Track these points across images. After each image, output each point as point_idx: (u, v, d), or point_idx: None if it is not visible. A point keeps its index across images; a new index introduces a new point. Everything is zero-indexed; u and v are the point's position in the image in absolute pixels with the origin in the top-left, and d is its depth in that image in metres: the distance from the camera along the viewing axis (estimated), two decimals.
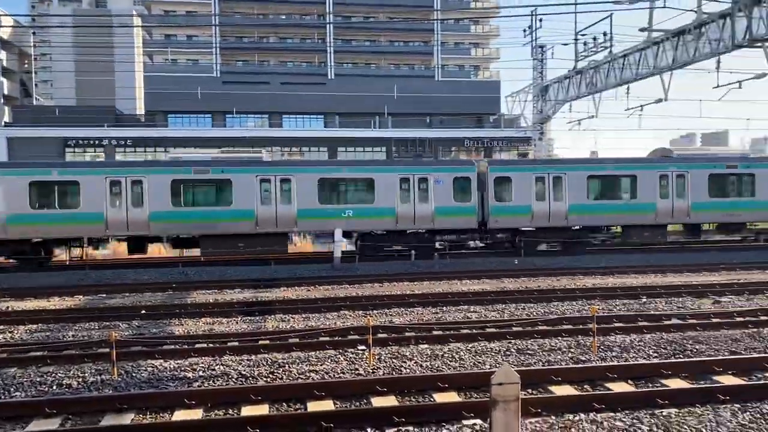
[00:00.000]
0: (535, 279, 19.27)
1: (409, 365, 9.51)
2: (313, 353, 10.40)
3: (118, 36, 60.94)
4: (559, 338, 11.30)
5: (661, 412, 7.22)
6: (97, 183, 21.91)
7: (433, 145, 51.50)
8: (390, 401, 7.92)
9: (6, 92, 64.31)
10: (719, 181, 25.87)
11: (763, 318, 12.66)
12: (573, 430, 6.67)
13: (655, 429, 6.65)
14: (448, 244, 25.10)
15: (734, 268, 20.90)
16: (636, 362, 9.51)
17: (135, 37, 63.58)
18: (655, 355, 10.09)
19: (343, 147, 51.42)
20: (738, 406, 7.37)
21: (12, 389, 8.74)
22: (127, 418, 7.57)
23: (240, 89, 53.52)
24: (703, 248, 26.59)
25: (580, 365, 9.34)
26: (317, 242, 30.55)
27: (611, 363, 9.43)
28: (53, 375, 9.37)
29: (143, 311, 14.64)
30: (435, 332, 11.71)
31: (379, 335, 11.39)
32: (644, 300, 15.35)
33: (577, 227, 25.36)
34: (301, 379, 8.96)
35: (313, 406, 7.78)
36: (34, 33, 65.35)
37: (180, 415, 7.61)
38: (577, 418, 7.04)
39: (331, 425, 7.05)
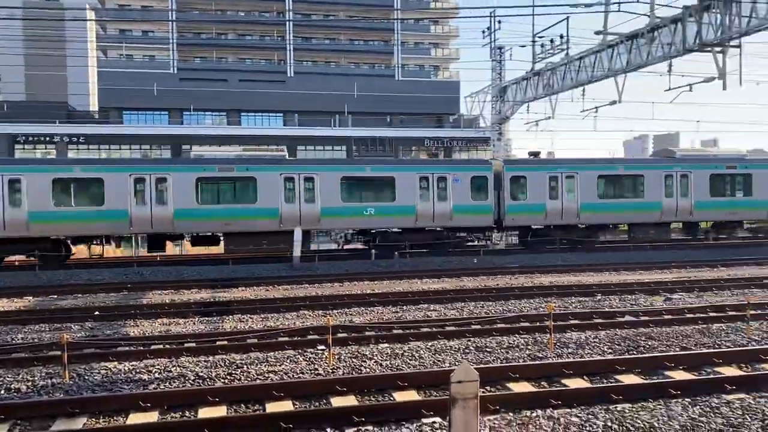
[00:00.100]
0: (493, 277, 19.50)
1: (369, 364, 9.50)
2: (272, 353, 10.30)
3: (71, 30, 59.22)
4: (517, 336, 11.44)
5: (616, 407, 7.36)
6: (121, 180, 21.79)
7: (394, 145, 51.61)
8: (350, 401, 7.89)
9: None
10: (720, 180, 26.98)
11: (711, 314, 13.07)
12: (530, 426, 6.76)
13: (609, 424, 6.78)
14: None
15: (685, 266, 21.54)
16: (591, 359, 9.70)
17: (88, 32, 61.92)
18: (610, 351, 10.31)
19: (302, 145, 51.10)
20: (688, 400, 7.57)
21: None
22: (79, 423, 7.36)
23: (198, 86, 52.71)
24: (659, 247, 27.30)
25: (537, 362, 9.47)
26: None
27: (567, 360, 9.59)
28: (1, 379, 9.05)
29: (96, 312, 14.27)
30: (395, 331, 11.73)
31: (339, 335, 11.35)
32: (599, 297, 15.68)
33: (583, 226, 26.10)
34: (260, 379, 8.86)
35: (272, 407, 7.70)
36: None
37: (135, 419, 7.44)
38: (534, 414, 7.13)
39: (290, 426, 7.00)
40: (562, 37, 27.97)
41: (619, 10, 21.56)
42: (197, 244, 24.27)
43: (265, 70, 61.01)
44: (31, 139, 47.07)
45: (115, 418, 7.55)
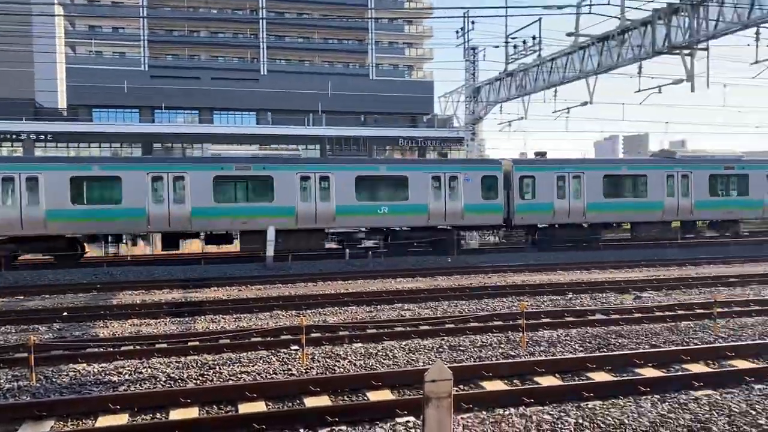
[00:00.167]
0: (467, 276, 19.60)
1: (342, 364, 9.47)
2: (244, 354, 10.21)
3: (38, 25, 58.01)
4: (490, 334, 11.52)
5: (587, 404, 7.45)
6: (139, 178, 21.83)
7: (368, 144, 51.60)
8: (323, 401, 7.86)
9: None
10: (718, 181, 27.86)
11: (680, 312, 13.31)
12: (503, 424, 6.80)
13: (581, 421, 6.85)
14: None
15: (654, 265, 21.90)
16: (563, 356, 9.81)
17: (56, 27, 60.70)
18: (581, 349, 10.43)
19: (276, 144, 50.81)
20: (658, 396, 7.69)
21: None
22: (47, 426, 7.21)
23: (169, 84, 52.01)
24: (631, 246, 27.77)
25: (510, 360, 9.55)
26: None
27: (539, 357, 9.69)
28: None
29: (65, 313, 14.00)
30: (369, 331, 11.72)
31: (313, 335, 11.29)
32: (570, 296, 15.86)
33: (587, 224, 26.66)
34: (233, 380, 8.78)
35: (245, 408, 7.64)
36: None
37: (104, 421, 7.31)
38: (507, 412, 7.18)
39: (263, 427, 6.95)
40: (534, 38, 28.21)
41: (590, 12, 21.80)
42: (211, 242, 24.39)
43: (238, 68, 60.52)
44: None
45: (83, 420, 7.41)
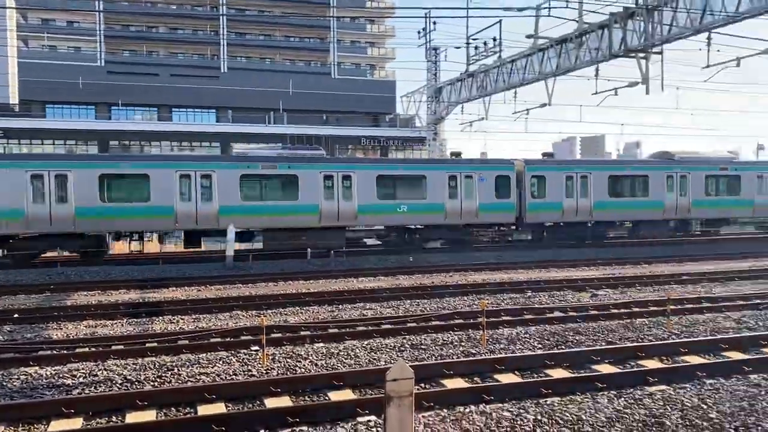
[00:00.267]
0: (429, 275, 19.69)
1: (304, 364, 9.41)
2: (203, 355, 10.07)
3: None
4: (452, 332, 11.60)
5: (546, 400, 7.56)
6: (167, 176, 21.99)
7: (330, 143, 51.43)
8: (284, 402, 7.80)
9: None
10: (714, 181, 29.20)
11: (635, 309, 13.63)
12: (464, 421, 6.86)
13: (539, 417, 6.95)
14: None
15: (610, 263, 22.38)
16: (522, 354, 9.94)
17: (8, 20, 58.82)
18: (540, 346, 10.59)
19: (236, 142, 50.24)
20: (614, 392, 7.85)
21: None
22: None
23: (126, 80, 50.92)
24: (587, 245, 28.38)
25: (470, 358, 9.63)
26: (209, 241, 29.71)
27: (499, 355, 9.79)
28: None
29: (16, 315, 13.57)
30: (331, 330, 11.69)
31: (274, 335, 11.20)
32: (529, 294, 16.08)
33: (590, 223, 27.64)
34: (191, 382, 8.64)
35: (204, 410, 7.53)
36: None
37: (57, 426, 7.12)
38: (467, 410, 7.24)
39: (223, 429, 6.86)
40: (495, 39, 28.53)
41: (549, 15, 22.16)
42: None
43: (197, 65, 59.57)
44: None
45: (35, 426, 7.20)
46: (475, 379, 8.79)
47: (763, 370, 8.81)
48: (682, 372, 8.83)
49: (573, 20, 23.02)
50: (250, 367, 9.28)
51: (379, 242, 27.22)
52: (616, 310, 13.59)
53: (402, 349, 10.39)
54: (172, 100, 53.71)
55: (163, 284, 18.02)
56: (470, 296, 15.77)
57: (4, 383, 8.62)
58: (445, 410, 7.30)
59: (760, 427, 6.68)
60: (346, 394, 8.08)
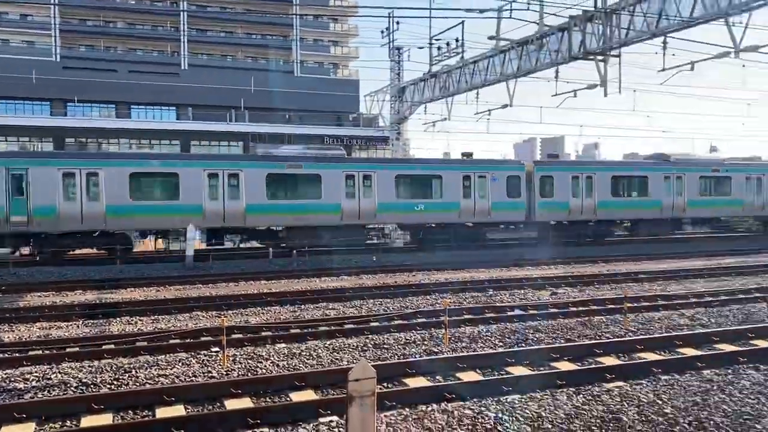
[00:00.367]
0: (392, 275, 19.72)
1: (265, 365, 9.32)
2: (162, 357, 9.88)
3: None
4: (414, 332, 11.64)
5: (506, 398, 7.65)
6: (196, 175, 22.35)
7: (293, 142, 51.03)
8: (245, 403, 7.71)
9: None
10: (707, 182, 30.73)
11: (593, 307, 13.88)
12: (426, 420, 6.88)
13: (500, 415, 7.02)
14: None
15: (569, 262, 22.76)
16: (483, 352, 10.02)
17: None
18: (501, 344, 10.70)
19: (197, 141, 49.52)
20: (573, 389, 7.98)
21: None
22: None
23: (83, 76, 49.64)
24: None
25: (432, 357, 9.67)
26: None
27: (461, 354, 9.86)
28: None
29: None
30: (293, 331, 11.61)
31: (234, 336, 11.08)
32: (491, 293, 16.25)
33: (594, 221, 28.68)
34: (150, 384, 8.47)
35: (163, 412, 7.39)
36: None
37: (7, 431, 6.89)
38: (429, 408, 7.27)
39: (182, 431, 6.74)
40: (457, 40, 28.72)
41: (510, 17, 22.42)
42: (254, 237, 25.09)
43: (157, 61, 58.44)
44: None
45: None
46: (438, 377, 8.83)
47: (716, 365, 9.07)
48: (638, 368, 9.02)
49: (534, 22, 23.34)
50: (210, 369, 9.14)
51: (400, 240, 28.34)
52: (574, 308, 13.82)
53: (365, 348, 10.38)
54: (131, 97, 52.54)
55: (121, 285, 17.66)
56: (433, 295, 15.85)
57: None
58: (408, 409, 7.31)
59: (712, 422, 6.87)
60: (307, 395, 8.03)
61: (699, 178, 30.49)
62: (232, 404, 7.66)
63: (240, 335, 11.21)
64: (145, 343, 10.62)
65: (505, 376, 8.73)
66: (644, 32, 20.42)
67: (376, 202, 24.76)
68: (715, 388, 7.97)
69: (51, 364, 9.54)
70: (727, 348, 10.24)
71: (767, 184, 31.98)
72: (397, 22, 35.25)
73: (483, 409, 7.22)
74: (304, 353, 10.00)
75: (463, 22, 28.03)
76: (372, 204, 24.71)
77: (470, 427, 6.73)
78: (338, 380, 8.10)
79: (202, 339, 11.11)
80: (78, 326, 12.59)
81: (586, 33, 21.71)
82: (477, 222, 26.77)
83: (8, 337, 11.53)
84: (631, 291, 16.08)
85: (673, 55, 20.83)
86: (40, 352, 10.26)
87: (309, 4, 65.82)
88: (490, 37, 25.50)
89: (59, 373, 8.98)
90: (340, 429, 6.66)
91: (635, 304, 13.92)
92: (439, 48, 30.02)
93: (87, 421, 7.14)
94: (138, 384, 8.48)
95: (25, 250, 22.77)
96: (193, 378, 8.72)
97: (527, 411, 7.13)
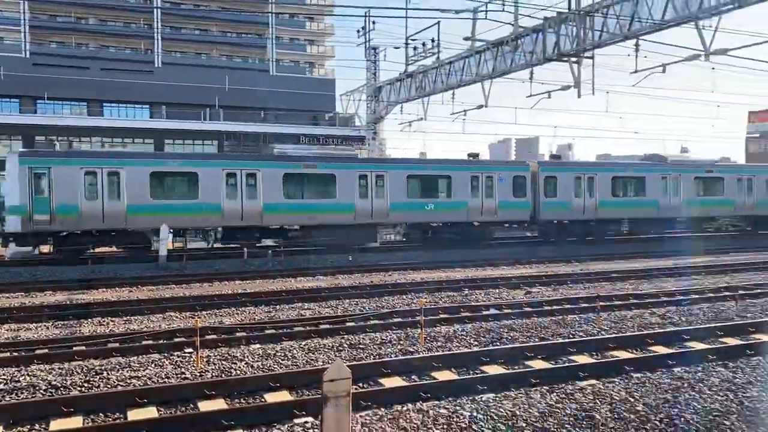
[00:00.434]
0: (368, 275, 19.71)
1: (239, 366, 9.24)
2: (135, 358, 9.75)
3: None
4: (390, 331, 11.64)
5: (481, 397, 7.68)
6: (215, 175, 22.67)
7: (268, 141, 50.69)
8: (218, 404, 7.63)
9: None
10: (702, 182, 31.70)
11: (567, 306, 14.02)
12: (401, 420, 6.88)
13: (475, 414, 7.05)
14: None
15: (543, 262, 22.97)
16: (458, 351, 10.06)
17: None
18: (476, 343, 10.74)
19: (170, 139, 48.92)
20: (546, 388, 8.05)
21: None
22: None
23: (54, 73, 48.68)
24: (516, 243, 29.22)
25: (408, 356, 9.67)
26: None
27: (437, 353, 9.88)
28: None
29: None
30: (267, 331, 11.52)
31: (208, 336, 10.97)
32: (466, 292, 16.32)
33: (594, 220, 29.54)
34: (121, 386, 8.34)
35: (134, 415, 7.28)
36: None
37: None
38: (405, 408, 7.27)
39: None
40: (433, 41, 28.84)
41: (486, 18, 22.57)
42: (266, 236, 25.14)
43: (130, 59, 57.62)
44: None
45: None
46: (413, 377, 8.84)
47: (686, 363, 9.22)
48: (610, 367, 9.13)
49: (509, 24, 23.53)
50: (183, 370, 9.04)
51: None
52: (548, 307, 13.94)
53: (340, 348, 10.35)
54: (103, 95, 51.72)
55: (93, 285, 17.38)
56: (409, 295, 15.86)
57: None
58: (383, 409, 7.30)
59: (682, 418, 6.98)
60: (282, 396, 7.98)
61: (694, 179, 31.47)
62: (205, 406, 7.58)
63: (214, 336, 11.11)
64: (117, 345, 10.46)
65: (480, 375, 8.77)
66: (617, 34, 20.70)
67: (388, 201, 25.31)
68: (685, 385, 8.10)
69: (19, 366, 9.35)
70: (697, 346, 10.42)
71: (756, 184, 33.10)
72: (373, 22, 35.31)
73: (458, 408, 7.24)
74: (279, 354, 9.94)
75: (438, 23, 28.19)
76: (384, 203, 25.26)
77: (445, 426, 6.75)
78: (313, 381, 8.06)
79: (176, 340, 10.98)
80: (47, 328, 12.36)
81: (560, 35, 21.94)
82: (483, 221, 27.39)
83: None
84: (604, 290, 16.29)
85: (645, 57, 21.16)
86: (8, 354, 10.04)
87: (285, 2, 65.51)
88: (466, 38, 25.67)
89: (28, 375, 8.81)
90: (315, 430, 6.63)
91: (608, 303, 14.10)
92: (415, 48, 30.12)
93: (56, 425, 7.01)
94: (109, 386, 8.35)
95: (44, 248, 22.88)
96: (166, 379, 8.61)
97: (501, 410, 7.18)
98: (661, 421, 6.92)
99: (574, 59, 22.03)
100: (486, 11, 22.68)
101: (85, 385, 8.36)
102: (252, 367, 9.24)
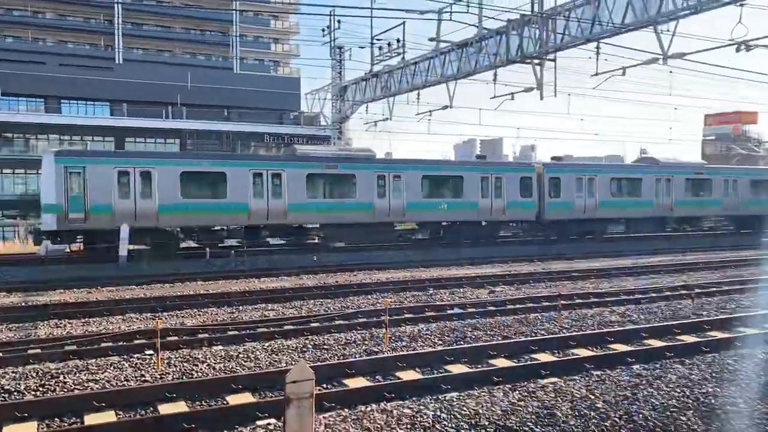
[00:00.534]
0: (333, 275, 19.65)
1: (201, 368, 9.10)
2: (93, 361, 9.51)
3: None
4: (355, 332, 11.60)
5: (445, 396, 7.70)
6: (242, 175, 23.11)
7: (232, 139, 50.14)
8: (179, 407, 7.50)
9: None
10: (691, 183, 33.15)
11: (529, 305, 14.18)
12: (365, 420, 6.86)
13: (438, 413, 7.07)
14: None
15: (506, 261, 23.22)
16: (423, 350, 10.08)
17: None
18: (440, 342, 10.79)
19: (132, 137, 48.01)
20: (509, 386, 8.11)
21: None
22: None
23: (10, 68, 47.27)
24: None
25: (372, 357, 9.66)
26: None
27: (401, 353, 9.88)
28: None
29: None
30: (230, 333, 11.37)
31: (169, 338, 10.79)
32: (431, 292, 16.39)
33: (595, 219, 30.68)
34: (78, 390, 8.14)
35: (92, 419, 7.10)
36: None
37: None
38: (369, 409, 7.25)
39: None
40: (399, 41, 28.89)
41: (451, 19, 22.69)
42: (288, 236, 25.82)
43: (90, 55, 56.35)
44: None
45: None
46: (377, 377, 8.82)
47: (644, 360, 9.41)
48: (571, 364, 9.25)
49: (473, 25, 23.68)
50: (143, 372, 8.86)
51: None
52: (511, 306, 14.07)
53: (304, 349, 10.28)
54: (61, 91, 50.42)
55: (50, 287, 16.96)
56: (374, 295, 15.86)
57: None
58: (347, 410, 7.27)
59: (641, 415, 7.12)
60: (245, 398, 7.88)
61: (685, 180, 32.82)
62: (166, 409, 7.44)
63: (175, 338, 10.93)
64: (75, 347, 10.23)
65: (443, 375, 8.80)
66: (578, 37, 21.04)
67: (405, 201, 25.99)
68: (644, 382, 8.26)
69: None
70: (656, 343, 10.64)
71: (740, 185, 34.71)
72: (338, 21, 35.18)
73: (422, 407, 7.25)
74: (242, 355, 9.82)
75: (404, 23, 28.24)
76: (401, 203, 25.96)
77: (409, 426, 6.75)
78: (277, 382, 7.99)
79: (136, 342, 10.75)
80: (1, 330, 11.99)
81: (523, 37, 22.20)
82: (492, 220, 28.37)
83: None
84: (565, 288, 16.54)
85: (606, 60, 21.55)
86: None
87: (249, 0, 64.87)
88: (431, 39, 25.78)
89: None
90: (279, 431, 6.56)
91: (569, 302, 14.30)
92: (380, 48, 30.14)
93: (9, 431, 6.80)
94: (66, 390, 8.14)
95: (74, 247, 22.93)
96: (126, 382, 8.44)
97: (465, 409, 7.21)
98: (620, 417, 7.05)
99: (536, 61, 22.32)
100: (450, 12, 22.78)
101: (40, 389, 8.14)
102: (214, 368, 9.12)
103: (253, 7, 66.09)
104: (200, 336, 10.97)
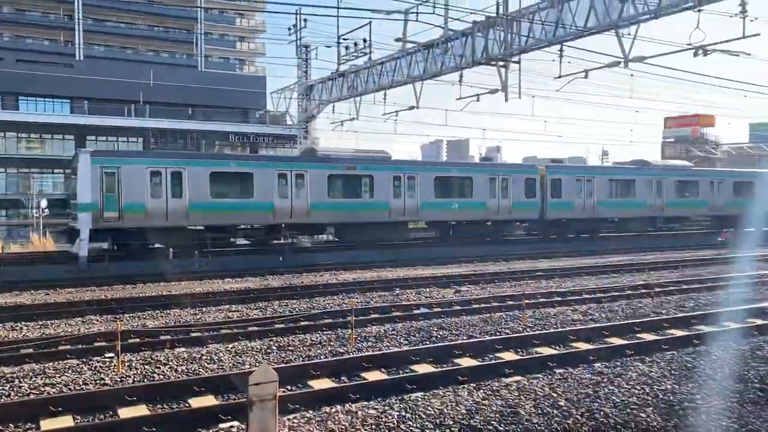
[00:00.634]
0: (299, 276, 19.53)
1: (163, 370, 8.95)
2: (50, 364, 9.28)
3: None
4: (320, 332, 11.55)
5: (410, 396, 7.71)
6: (268, 175, 23.77)
7: (196, 138, 49.43)
8: (140, 411, 7.36)
9: None
10: (681, 185, 34.62)
11: (494, 304, 14.30)
12: (329, 422, 6.83)
13: (403, 413, 7.07)
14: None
15: (473, 261, 23.39)
16: (388, 351, 10.08)
17: None
18: (406, 342, 10.80)
19: (93, 136, 46.94)
20: (474, 385, 8.17)
21: None
22: None
23: None
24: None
25: (337, 358, 9.62)
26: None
27: (367, 353, 9.87)
28: None
29: None
30: (193, 334, 11.20)
31: (131, 340, 10.58)
32: (398, 292, 16.41)
33: (591, 219, 31.85)
34: (34, 394, 7.92)
35: (48, 424, 6.92)
36: None
37: None
38: (333, 410, 7.22)
39: None
40: (365, 41, 28.82)
41: (417, 20, 22.73)
42: (308, 233, 26.63)
43: (49, 51, 54.96)
44: None
45: None
46: (343, 378, 8.79)
47: (606, 358, 9.56)
48: (535, 363, 9.36)
49: (439, 26, 23.77)
50: (103, 375, 8.68)
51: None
52: (477, 305, 14.18)
53: (269, 351, 10.18)
54: (19, 88, 48.99)
55: (5, 288, 16.48)
56: (340, 295, 15.81)
57: None
58: (311, 411, 7.22)
59: (602, 412, 7.23)
60: (208, 400, 7.77)
61: (675, 182, 34.18)
62: (126, 412, 7.29)
63: (137, 340, 10.73)
64: (31, 351, 9.97)
65: (409, 375, 8.81)
66: (542, 40, 21.29)
67: (419, 201, 26.74)
68: (605, 380, 8.40)
69: None
70: (617, 342, 10.83)
71: (724, 187, 36.08)
72: (305, 20, 35.00)
73: (387, 408, 7.25)
74: (205, 357, 9.69)
75: (370, 23, 28.20)
76: (415, 203, 26.70)
77: (374, 426, 6.74)
78: (240, 384, 7.89)
79: (95, 344, 10.52)
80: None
81: (488, 39, 22.38)
82: (498, 219, 29.39)
83: None
84: (529, 288, 16.73)
85: (569, 63, 21.83)
86: None
87: None
88: (397, 39, 25.79)
89: None
90: None
91: (533, 301, 14.47)
92: (347, 48, 30.01)
93: None
94: (21, 395, 7.91)
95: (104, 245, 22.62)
96: (84, 386, 8.25)
97: (430, 408, 7.23)
98: (582, 415, 7.15)
99: (501, 63, 22.52)
100: (417, 13, 22.83)
101: None
102: (176, 371, 8.98)
103: (218, 4, 65.33)
104: (162, 338, 10.82)
